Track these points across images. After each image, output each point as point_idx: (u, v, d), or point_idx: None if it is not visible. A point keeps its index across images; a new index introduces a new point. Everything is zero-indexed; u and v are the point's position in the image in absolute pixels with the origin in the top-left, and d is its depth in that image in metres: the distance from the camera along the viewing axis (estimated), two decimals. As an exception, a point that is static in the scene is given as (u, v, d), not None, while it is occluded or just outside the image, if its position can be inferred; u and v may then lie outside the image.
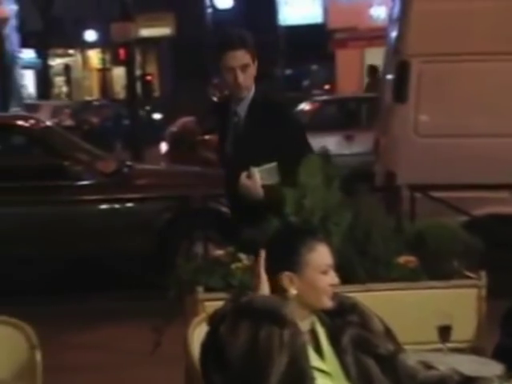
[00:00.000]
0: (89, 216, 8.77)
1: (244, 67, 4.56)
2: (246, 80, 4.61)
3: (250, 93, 4.70)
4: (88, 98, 39.87)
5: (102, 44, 41.93)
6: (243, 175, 4.55)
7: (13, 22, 30.46)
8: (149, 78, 41.26)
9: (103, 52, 44.27)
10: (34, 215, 8.58)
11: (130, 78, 22.67)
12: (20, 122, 9.92)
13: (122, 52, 25.67)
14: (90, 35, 43.67)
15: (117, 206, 8.82)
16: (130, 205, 8.82)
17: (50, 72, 42.05)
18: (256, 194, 4.53)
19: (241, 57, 4.54)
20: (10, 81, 30.45)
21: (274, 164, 4.54)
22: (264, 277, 3.22)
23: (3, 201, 8.39)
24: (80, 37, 43.45)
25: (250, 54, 4.62)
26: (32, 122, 10.05)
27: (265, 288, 3.19)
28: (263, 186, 4.53)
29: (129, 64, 22.71)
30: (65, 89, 47.72)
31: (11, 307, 4.25)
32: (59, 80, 47.38)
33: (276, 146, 4.56)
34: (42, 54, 39.25)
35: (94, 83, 48.49)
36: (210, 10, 40.87)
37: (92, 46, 45.29)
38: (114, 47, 32.23)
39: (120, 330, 7.39)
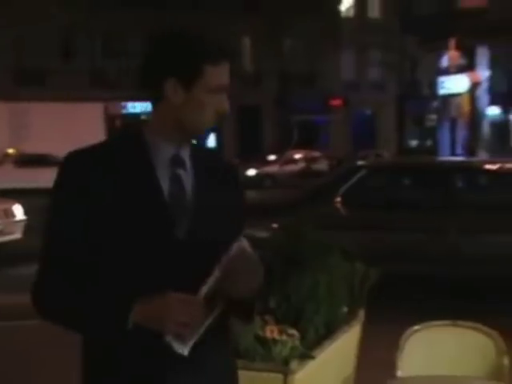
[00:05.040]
0: None
1: None
2: None
3: None
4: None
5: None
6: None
7: (485, 85, 30.55)
8: None
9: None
10: (495, 242, 8.39)
11: None
12: (487, 166, 9.82)
13: None
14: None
15: None
16: None
17: (510, 125, 41.20)
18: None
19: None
20: (478, 133, 30.56)
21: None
22: None
23: (470, 229, 8.35)
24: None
25: None
26: (496, 165, 9.88)
27: None
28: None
29: None
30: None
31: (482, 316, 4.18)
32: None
33: (229, 213, 2.17)
34: (505, 111, 38.60)
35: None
36: None
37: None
38: None
39: None
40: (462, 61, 32.00)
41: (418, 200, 9.04)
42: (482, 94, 30.99)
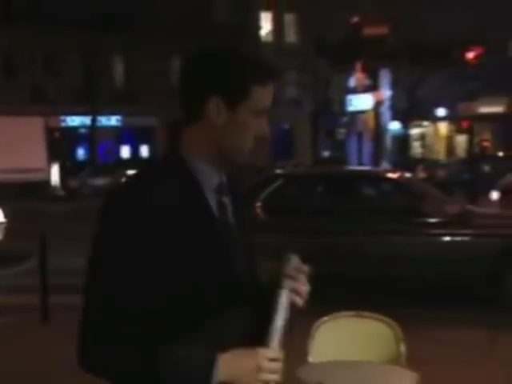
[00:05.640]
0: (437, 245, 8.60)
1: None
2: None
3: None
4: (438, 158, 39.40)
5: (449, 118, 41.35)
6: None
7: (387, 103, 31.22)
8: (486, 143, 39.83)
9: (450, 124, 43.62)
10: (396, 243, 8.55)
11: (470, 143, 22.26)
12: (389, 175, 10.00)
13: (464, 124, 25.23)
14: (441, 111, 43.19)
15: (459, 239, 8.56)
16: (469, 239, 8.53)
17: (410, 139, 42.18)
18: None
19: None
20: (381, 145, 31.13)
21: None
22: None
23: (375, 231, 8.50)
24: (433, 113, 43.10)
25: None
26: (397, 174, 10.06)
27: None
28: None
29: (470, 133, 22.31)
30: (419, 150, 47.53)
31: (386, 310, 4.26)
32: (416, 144, 47.31)
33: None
34: (405, 126, 39.47)
35: (441, 147, 47.84)
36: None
37: (442, 119, 44.75)
38: (459, 120, 31.72)
39: (458, 331, 7.14)
40: (367, 81, 32.65)
41: (329, 205, 9.15)
42: (385, 111, 31.68)
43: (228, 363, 1.59)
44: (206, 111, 1.68)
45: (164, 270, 1.61)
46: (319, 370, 3.60)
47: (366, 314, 3.92)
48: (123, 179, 1.81)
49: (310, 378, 3.34)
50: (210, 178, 1.72)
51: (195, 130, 1.71)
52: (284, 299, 1.67)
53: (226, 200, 1.75)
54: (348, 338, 3.87)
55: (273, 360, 1.60)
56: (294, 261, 1.73)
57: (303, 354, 3.78)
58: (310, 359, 3.77)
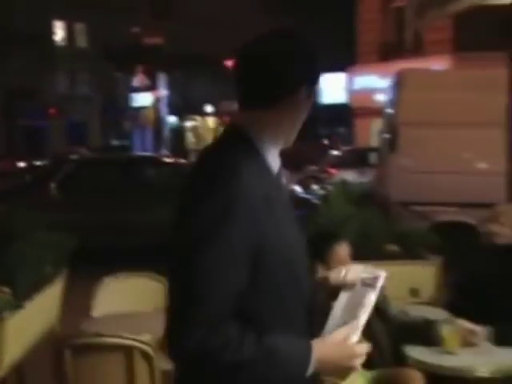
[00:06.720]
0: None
1: None
2: None
3: None
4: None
5: (214, 114, 42.41)
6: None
7: (164, 100, 31.32)
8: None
9: (215, 118, 44.78)
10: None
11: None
12: (166, 159, 10.05)
13: (225, 118, 25.97)
14: (209, 108, 44.15)
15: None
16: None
17: (184, 130, 42.64)
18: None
19: None
20: (161, 135, 31.19)
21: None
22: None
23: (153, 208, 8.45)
24: (202, 109, 43.88)
25: None
26: (173, 159, 10.16)
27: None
28: None
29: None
30: (193, 140, 48.24)
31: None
32: (189, 135, 47.94)
33: None
34: (180, 120, 39.83)
35: (209, 137, 48.98)
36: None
37: (209, 114, 45.78)
38: (222, 115, 32.69)
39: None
40: (147, 82, 32.51)
41: (115, 186, 8.94)
42: (163, 107, 31.80)
43: (321, 351, 1.38)
44: (292, 98, 1.43)
45: (271, 250, 1.36)
46: (100, 323, 3.54)
47: (138, 273, 3.92)
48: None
49: (91, 330, 3.27)
50: (276, 161, 1.48)
51: (264, 114, 1.44)
52: (373, 300, 1.50)
53: (284, 182, 1.55)
54: (127, 294, 3.85)
55: (359, 350, 1.42)
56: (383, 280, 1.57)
57: (87, 309, 3.70)
58: (94, 314, 3.70)
